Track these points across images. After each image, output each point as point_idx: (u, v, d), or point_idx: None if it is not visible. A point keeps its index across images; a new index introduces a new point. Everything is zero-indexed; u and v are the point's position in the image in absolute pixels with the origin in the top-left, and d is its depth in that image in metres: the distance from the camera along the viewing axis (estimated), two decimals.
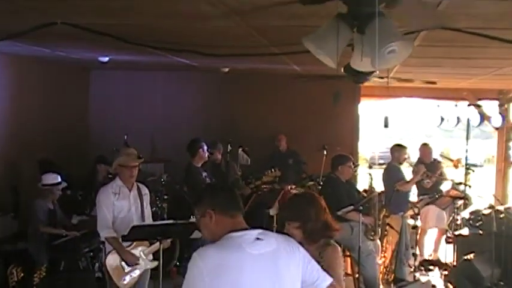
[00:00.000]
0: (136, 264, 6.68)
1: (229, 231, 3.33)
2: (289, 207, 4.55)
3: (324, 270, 3.68)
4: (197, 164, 9.10)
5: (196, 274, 3.15)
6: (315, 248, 4.27)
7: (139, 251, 6.74)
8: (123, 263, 6.62)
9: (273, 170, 9.97)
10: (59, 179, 8.74)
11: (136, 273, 6.72)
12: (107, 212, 6.65)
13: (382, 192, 10.13)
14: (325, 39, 3.26)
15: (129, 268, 6.65)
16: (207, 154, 9.25)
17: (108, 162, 9.99)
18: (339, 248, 4.52)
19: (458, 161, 11.26)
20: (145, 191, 7.06)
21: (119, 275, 6.62)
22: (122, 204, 6.74)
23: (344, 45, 3.27)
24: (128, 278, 6.64)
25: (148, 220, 7.04)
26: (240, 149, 10.99)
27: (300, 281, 3.42)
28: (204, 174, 9.16)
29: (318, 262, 3.72)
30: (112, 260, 6.62)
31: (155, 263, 6.85)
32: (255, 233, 3.36)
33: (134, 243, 6.70)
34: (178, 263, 9.76)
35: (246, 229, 3.39)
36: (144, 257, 6.78)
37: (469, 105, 11.32)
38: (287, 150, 11.70)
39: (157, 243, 6.55)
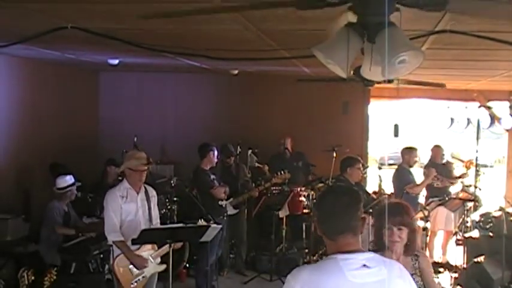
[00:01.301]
0: (145, 267, 6.70)
1: (335, 252, 2.99)
2: (407, 213, 4.38)
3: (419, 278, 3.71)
4: (205, 166, 9.18)
5: None
6: (410, 259, 4.30)
7: (147, 254, 6.75)
8: (131, 266, 6.62)
9: (282, 172, 9.98)
10: (73, 180, 8.80)
11: (145, 276, 6.73)
12: (114, 215, 6.64)
13: (392, 194, 10.13)
14: (334, 48, 3.25)
15: (138, 272, 6.66)
16: (216, 159, 9.29)
17: (118, 164, 10.03)
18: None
19: (470, 162, 11.23)
20: (152, 193, 7.04)
21: (127, 279, 6.62)
22: (129, 208, 6.73)
23: (354, 55, 3.26)
24: (136, 282, 6.66)
25: (156, 222, 7.03)
26: (250, 151, 11.00)
27: None
28: (213, 177, 9.22)
29: (413, 273, 3.80)
30: (120, 264, 6.62)
31: (163, 266, 6.86)
32: (363, 258, 2.95)
33: (142, 247, 6.70)
34: (187, 265, 9.79)
35: (354, 251, 2.98)
36: (152, 261, 6.79)
37: (479, 106, 11.28)
38: (293, 152, 11.68)
39: (166, 246, 6.56)
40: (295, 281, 2.92)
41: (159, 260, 6.88)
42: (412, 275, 3.54)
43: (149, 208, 6.90)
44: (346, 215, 3.02)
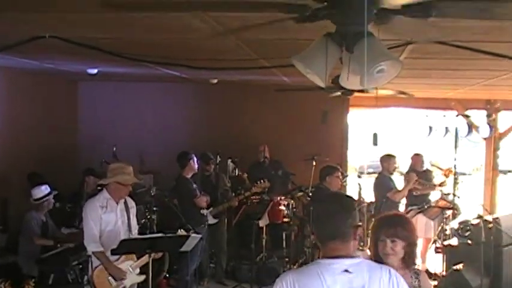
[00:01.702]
0: (123, 278, 6.66)
1: (322, 257, 3.11)
2: (403, 225, 4.18)
3: None
4: (187, 175, 9.17)
5: None
6: (410, 272, 4.17)
7: (126, 265, 6.71)
8: (110, 278, 6.58)
9: (262, 181, 9.98)
10: (49, 189, 8.73)
11: (124, 287, 6.70)
12: (94, 226, 6.60)
13: (371, 202, 10.18)
14: (313, 58, 3.26)
15: (116, 283, 6.62)
16: (196, 166, 9.30)
17: (96, 174, 10.00)
18: None
19: (449, 170, 11.31)
20: (131, 204, 7.01)
21: None
22: (109, 218, 6.69)
23: (333, 65, 3.27)
24: None
25: (135, 233, 7.01)
26: (229, 160, 10.99)
27: None
28: (194, 186, 9.20)
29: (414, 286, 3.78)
30: (99, 275, 6.59)
31: (142, 277, 6.83)
32: (348, 263, 3.04)
33: (122, 258, 6.66)
34: (167, 275, 9.75)
35: (339, 257, 3.06)
36: (132, 271, 6.76)
37: (457, 115, 11.37)
38: (270, 160, 11.67)
39: (146, 257, 6.53)
40: (281, 283, 3.10)
41: (138, 270, 6.84)
42: None
43: (128, 218, 6.87)
44: (335, 221, 3.12)
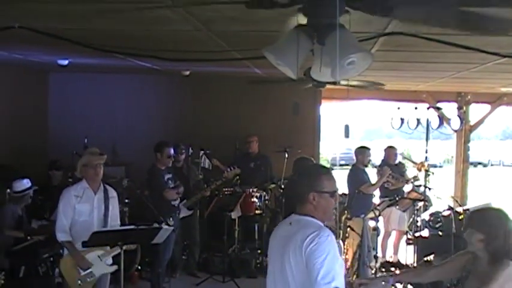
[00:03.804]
0: (89, 268, 6.65)
1: None
2: (479, 218, 4.31)
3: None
4: (161, 166, 9.05)
5: None
6: (494, 267, 4.10)
7: (95, 254, 6.69)
8: (78, 266, 6.61)
9: (232, 168, 9.96)
10: (30, 184, 8.67)
11: (93, 276, 6.69)
12: (64, 216, 6.61)
13: (344, 194, 10.21)
14: (285, 50, 3.26)
15: (85, 272, 6.61)
16: (171, 156, 9.14)
17: (61, 167, 9.96)
18: None
19: (422, 164, 11.39)
20: (112, 194, 7.01)
21: (73, 279, 6.60)
22: (83, 208, 6.69)
23: (304, 57, 3.27)
24: (82, 282, 6.60)
25: (116, 223, 7.00)
26: (202, 152, 10.96)
27: (304, 273, 3.57)
28: (168, 176, 9.10)
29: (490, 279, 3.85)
30: (67, 263, 6.61)
31: (114, 267, 6.82)
32: (294, 218, 3.79)
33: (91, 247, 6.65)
34: (139, 268, 9.71)
35: (295, 214, 3.80)
36: (101, 261, 6.72)
37: (428, 107, 11.45)
38: (257, 153, 11.62)
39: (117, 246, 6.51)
40: None
41: (110, 261, 6.81)
42: None
43: (106, 209, 6.85)
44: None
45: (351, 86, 8.24)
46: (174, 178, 9.22)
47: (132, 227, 6.88)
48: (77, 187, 6.77)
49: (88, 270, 6.63)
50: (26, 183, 8.67)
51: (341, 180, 10.33)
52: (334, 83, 7.14)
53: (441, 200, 10.59)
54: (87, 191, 6.75)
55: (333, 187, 3.77)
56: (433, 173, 11.09)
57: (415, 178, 11.38)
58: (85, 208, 6.71)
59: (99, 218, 6.80)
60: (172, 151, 9.12)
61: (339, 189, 10.29)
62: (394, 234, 11.57)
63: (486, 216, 4.33)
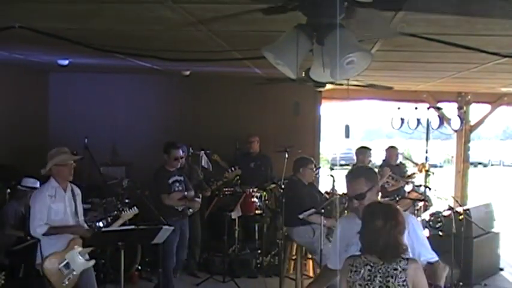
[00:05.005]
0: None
1: None
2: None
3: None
4: (170, 168, 8.86)
5: None
6: None
7: (75, 251, 6.70)
8: (61, 266, 6.59)
9: (233, 168, 9.94)
10: (37, 184, 8.67)
11: (76, 274, 6.69)
12: (40, 213, 6.56)
13: (344, 194, 10.19)
14: (284, 50, 3.25)
15: (67, 270, 6.61)
16: (180, 160, 8.99)
17: None
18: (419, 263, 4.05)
19: (423, 165, 11.37)
20: (77, 191, 7.02)
21: (58, 279, 6.59)
22: (58, 207, 6.71)
23: (303, 56, 3.26)
24: (67, 281, 6.62)
25: (82, 219, 7.04)
26: (202, 152, 10.95)
27: None
28: (174, 179, 8.85)
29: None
30: (50, 264, 6.59)
31: (92, 262, 6.85)
32: None
33: (70, 244, 6.68)
34: (139, 268, 9.71)
35: None
36: (81, 258, 6.72)
37: (429, 107, 11.45)
38: (257, 153, 11.60)
39: None
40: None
41: (87, 256, 6.80)
42: None
43: (75, 206, 6.89)
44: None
45: (361, 86, 8.24)
46: (185, 182, 9.03)
47: (132, 227, 6.88)
48: (48, 187, 6.75)
49: (71, 268, 6.64)
50: (34, 182, 8.73)
51: (341, 180, 10.35)
52: (340, 84, 7.15)
53: (441, 200, 10.57)
54: (59, 190, 6.75)
55: None
56: (433, 173, 11.08)
57: (412, 175, 11.36)
58: (60, 207, 6.72)
59: (72, 215, 6.85)
60: (180, 153, 8.92)
61: (339, 189, 10.35)
62: None
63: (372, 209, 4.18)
